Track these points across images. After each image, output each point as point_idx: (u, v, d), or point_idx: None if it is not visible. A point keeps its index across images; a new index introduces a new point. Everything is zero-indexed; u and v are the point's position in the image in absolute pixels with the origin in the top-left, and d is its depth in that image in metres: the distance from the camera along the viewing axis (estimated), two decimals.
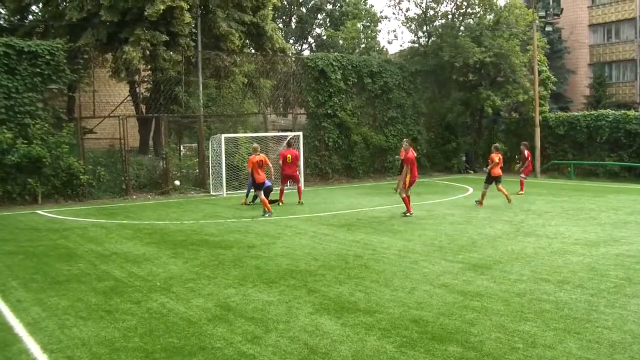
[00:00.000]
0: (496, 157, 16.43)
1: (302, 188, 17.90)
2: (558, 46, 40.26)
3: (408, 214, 13.99)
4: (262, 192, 14.74)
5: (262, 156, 15.04)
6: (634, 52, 39.69)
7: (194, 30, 21.88)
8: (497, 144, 18.17)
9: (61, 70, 18.42)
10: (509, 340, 5.57)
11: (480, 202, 16.21)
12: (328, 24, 41.78)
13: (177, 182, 20.61)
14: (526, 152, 19.97)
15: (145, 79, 23.51)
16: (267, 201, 14.65)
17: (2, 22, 23.53)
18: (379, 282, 7.80)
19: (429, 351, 5.32)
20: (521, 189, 19.19)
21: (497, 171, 16.36)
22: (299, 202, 17.09)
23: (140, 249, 10.39)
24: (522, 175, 19.70)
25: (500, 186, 16.31)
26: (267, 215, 14.31)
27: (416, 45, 31.08)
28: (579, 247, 9.98)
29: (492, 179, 16.38)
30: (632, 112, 25.41)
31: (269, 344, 5.56)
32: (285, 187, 17.69)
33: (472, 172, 28.80)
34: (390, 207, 15.81)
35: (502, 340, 5.55)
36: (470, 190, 19.29)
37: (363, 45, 38.77)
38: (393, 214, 14.47)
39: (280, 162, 17.41)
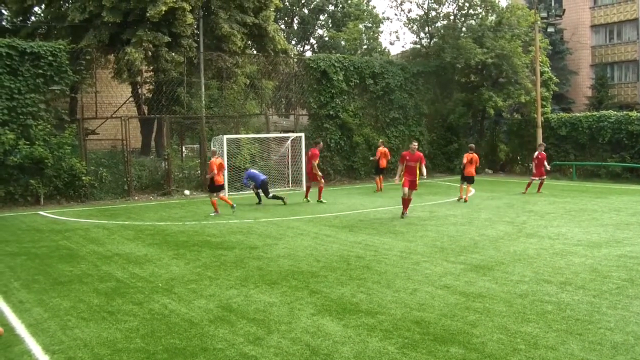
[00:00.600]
0: (466, 157, 17.24)
1: (311, 188, 18.21)
2: (560, 47, 40.19)
3: (404, 215, 14.13)
4: (214, 193, 15.09)
5: (221, 159, 15.59)
6: (636, 53, 39.61)
7: (196, 31, 21.92)
8: (471, 144, 18.63)
9: (63, 72, 18.44)
10: (511, 341, 5.56)
11: (461, 197, 17.05)
12: (330, 25, 41.77)
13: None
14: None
15: (148, 80, 23.52)
16: (216, 203, 14.96)
17: (4, 23, 23.59)
18: (381, 283, 7.80)
19: (431, 352, 5.32)
20: (538, 189, 19.71)
21: (470, 171, 17.11)
22: (304, 199, 17.63)
23: (142, 250, 10.40)
24: (539, 177, 19.99)
25: (469, 186, 17.23)
26: (213, 214, 14.81)
27: (418, 46, 31.08)
28: (581, 249, 9.97)
29: (465, 178, 17.20)
30: (634, 113, 25.34)
31: (271, 345, 5.56)
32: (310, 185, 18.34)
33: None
34: (392, 208, 15.79)
35: (504, 342, 5.55)
36: (472, 191, 19.22)
37: (365, 47, 38.77)
38: (395, 215, 14.46)
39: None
